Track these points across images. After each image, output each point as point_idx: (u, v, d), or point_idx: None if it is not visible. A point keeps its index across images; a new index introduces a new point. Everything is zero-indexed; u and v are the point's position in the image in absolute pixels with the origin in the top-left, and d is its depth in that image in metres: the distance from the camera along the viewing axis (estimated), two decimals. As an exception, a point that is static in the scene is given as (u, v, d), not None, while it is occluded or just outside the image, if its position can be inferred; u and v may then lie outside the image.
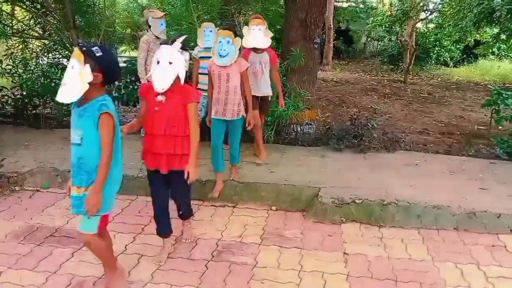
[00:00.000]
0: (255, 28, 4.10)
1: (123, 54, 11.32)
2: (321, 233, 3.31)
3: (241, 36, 3.93)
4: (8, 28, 5.88)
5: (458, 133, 6.44)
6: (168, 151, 2.62)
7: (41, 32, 6.13)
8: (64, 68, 5.81)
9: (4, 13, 5.90)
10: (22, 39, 6.05)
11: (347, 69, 16.12)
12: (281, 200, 3.76)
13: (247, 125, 3.78)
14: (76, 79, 2.09)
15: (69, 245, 3.01)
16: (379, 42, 19.94)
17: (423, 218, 3.42)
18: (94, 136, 2.16)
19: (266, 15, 5.17)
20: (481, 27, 10.57)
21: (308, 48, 5.17)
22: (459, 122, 7.34)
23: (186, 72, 2.62)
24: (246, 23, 5.46)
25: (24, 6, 5.87)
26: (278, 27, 6.23)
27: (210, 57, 3.77)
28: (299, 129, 5.36)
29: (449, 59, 16.16)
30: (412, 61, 13.35)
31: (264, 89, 4.30)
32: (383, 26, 15.58)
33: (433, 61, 14.46)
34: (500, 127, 6.04)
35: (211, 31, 4.46)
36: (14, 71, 6.15)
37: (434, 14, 14.55)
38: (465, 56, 16.92)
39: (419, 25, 14.89)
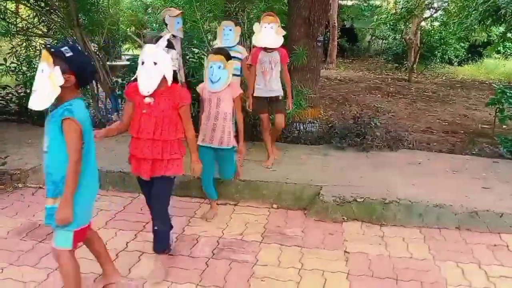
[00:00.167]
0: (267, 26, 3.96)
1: (127, 52, 11.36)
2: (322, 232, 3.31)
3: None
4: (13, 26, 5.91)
5: (462, 132, 6.41)
6: (155, 156, 2.49)
7: (45, 30, 6.15)
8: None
9: (8, 11, 5.94)
10: (26, 37, 6.08)
11: (351, 68, 16.06)
12: (282, 198, 3.76)
13: (238, 154, 3.52)
14: (46, 84, 1.96)
15: (70, 242, 3.02)
16: (384, 41, 19.87)
17: (425, 217, 3.41)
18: (60, 143, 2.04)
19: (268, 13, 5.14)
20: (487, 26, 10.48)
21: (311, 46, 5.14)
22: (463, 121, 7.30)
23: (174, 71, 2.48)
24: (250, 21, 5.47)
25: (28, 5, 5.89)
26: (281, 25, 6.19)
27: None
28: (301, 127, 5.34)
29: (454, 57, 16.08)
30: (417, 60, 13.30)
31: (273, 89, 4.14)
32: (388, 24, 15.53)
33: (437, 60, 14.35)
34: (504, 126, 5.99)
35: (230, 30, 4.37)
36: (18, 69, 6.18)
37: (439, 12, 14.46)
38: (470, 54, 16.83)
39: (423, 23, 14.81)
